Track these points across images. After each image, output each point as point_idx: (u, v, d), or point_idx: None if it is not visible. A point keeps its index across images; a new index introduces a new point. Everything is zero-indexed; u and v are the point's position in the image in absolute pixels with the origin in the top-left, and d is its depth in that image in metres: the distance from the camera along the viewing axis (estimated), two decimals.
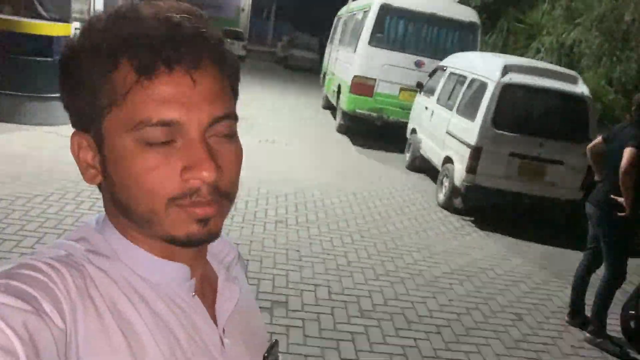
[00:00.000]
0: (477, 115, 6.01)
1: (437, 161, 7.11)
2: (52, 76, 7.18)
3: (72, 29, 7.94)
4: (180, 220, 0.59)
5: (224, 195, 0.61)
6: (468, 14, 9.66)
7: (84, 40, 0.59)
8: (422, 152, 7.91)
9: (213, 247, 0.73)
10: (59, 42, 7.33)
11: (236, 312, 0.71)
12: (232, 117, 0.62)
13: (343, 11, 13.05)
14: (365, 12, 9.85)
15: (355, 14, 11.08)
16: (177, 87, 0.57)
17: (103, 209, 0.68)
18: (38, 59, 6.99)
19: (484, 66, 6.60)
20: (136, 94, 0.56)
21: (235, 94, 0.66)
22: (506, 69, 6.00)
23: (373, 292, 4.07)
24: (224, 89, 0.62)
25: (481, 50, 9.51)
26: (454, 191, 6.34)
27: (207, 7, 32.64)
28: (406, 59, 9.31)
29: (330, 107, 12.79)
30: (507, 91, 5.92)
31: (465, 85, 6.74)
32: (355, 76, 9.39)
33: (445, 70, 7.73)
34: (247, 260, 4.22)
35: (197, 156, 0.57)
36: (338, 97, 10.72)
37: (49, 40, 7.17)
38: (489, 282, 4.64)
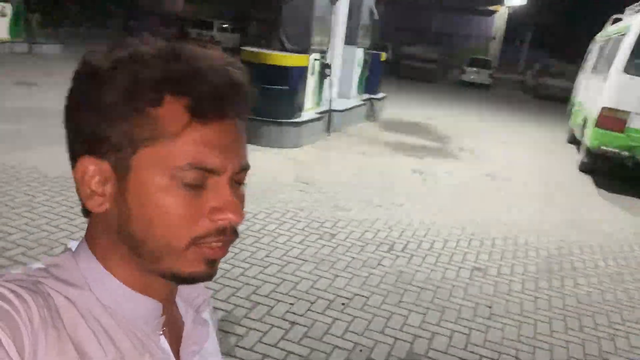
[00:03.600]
0: None
1: None
2: (286, 103, 7.87)
3: (310, 59, 8.56)
4: (193, 260, 0.61)
5: (235, 236, 0.64)
6: None
7: (123, 66, 0.58)
8: None
9: (182, 289, 0.74)
10: (295, 72, 7.97)
11: (201, 355, 0.72)
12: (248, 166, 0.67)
13: (599, 36, 11.51)
14: (623, 35, 8.47)
15: (611, 38, 9.63)
16: (224, 135, 0.60)
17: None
18: (275, 87, 7.66)
19: None
20: (187, 136, 0.58)
21: None
22: None
23: None
24: (246, 140, 0.66)
25: None
26: None
27: (457, 36, 32.61)
28: None
29: (575, 141, 11.35)
30: None
31: None
32: (603, 108, 8.09)
33: None
34: (428, 308, 3.83)
35: (227, 199, 0.60)
36: (583, 131, 9.41)
37: (286, 70, 7.82)
38: None
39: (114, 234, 0.62)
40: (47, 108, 7.88)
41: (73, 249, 0.66)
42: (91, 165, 0.60)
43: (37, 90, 9.44)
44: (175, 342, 0.70)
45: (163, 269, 0.62)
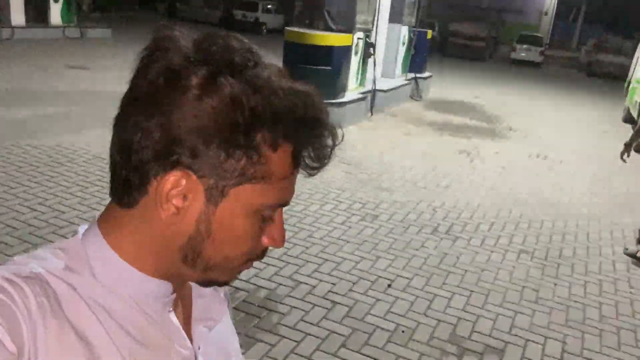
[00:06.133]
0: None
1: None
2: (329, 83, 7.80)
3: (354, 39, 8.45)
4: (235, 273, 0.65)
5: None
6: None
7: (264, 100, 0.56)
8: None
9: None
10: (339, 52, 7.89)
11: (214, 332, 0.72)
12: None
13: None
14: None
15: None
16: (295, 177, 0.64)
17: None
18: (318, 67, 7.61)
19: None
20: (287, 180, 0.61)
21: None
22: None
23: None
24: None
25: None
26: None
27: (507, 12, 31.50)
28: None
29: (631, 120, 10.84)
30: None
31: None
32: None
33: None
34: (472, 291, 3.77)
35: (282, 230, 0.65)
36: (639, 110, 8.99)
37: (329, 50, 7.75)
38: None
39: (178, 247, 0.61)
40: (97, 91, 8.11)
41: (81, 232, 0.63)
42: (184, 180, 0.57)
43: (88, 73, 9.72)
44: (185, 318, 0.69)
45: (206, 278, 0.64)
